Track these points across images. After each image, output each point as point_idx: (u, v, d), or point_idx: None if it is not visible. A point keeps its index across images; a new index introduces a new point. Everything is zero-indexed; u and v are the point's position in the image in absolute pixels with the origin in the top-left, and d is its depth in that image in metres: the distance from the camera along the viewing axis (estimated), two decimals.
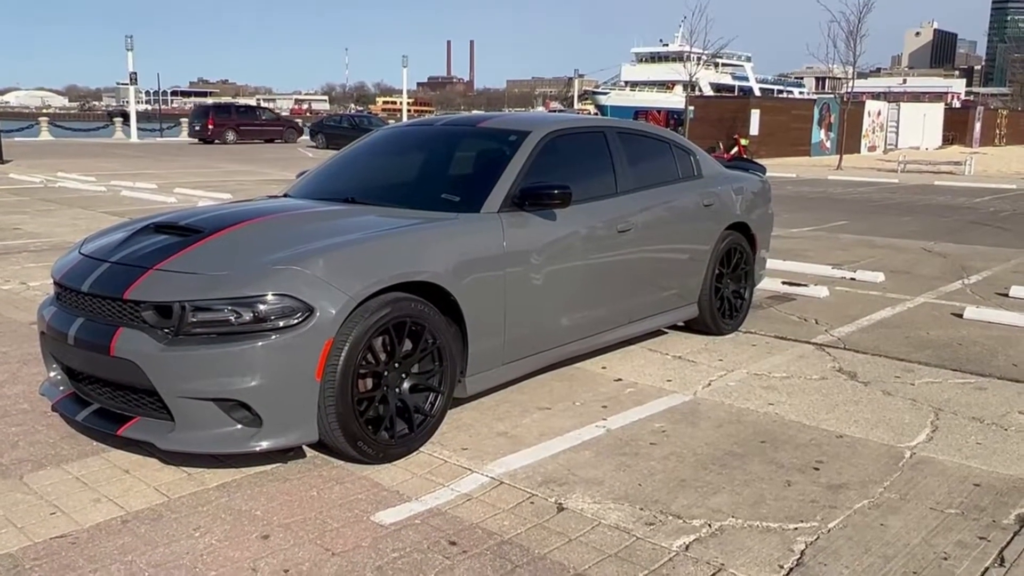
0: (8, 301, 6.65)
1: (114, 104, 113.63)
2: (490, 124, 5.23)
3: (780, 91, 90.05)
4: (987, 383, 5.02)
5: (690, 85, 34.97)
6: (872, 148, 38.28)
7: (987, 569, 2.91)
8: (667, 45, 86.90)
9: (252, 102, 77.09)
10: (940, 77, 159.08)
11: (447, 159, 5.16)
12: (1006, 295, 7.50)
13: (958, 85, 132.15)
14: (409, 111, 65.09)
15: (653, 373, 5.09)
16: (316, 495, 3.39)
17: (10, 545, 2.96)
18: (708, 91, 69.40)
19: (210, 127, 34.96)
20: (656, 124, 18.33)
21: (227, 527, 3.12)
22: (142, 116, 44.16)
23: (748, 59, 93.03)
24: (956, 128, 45.20)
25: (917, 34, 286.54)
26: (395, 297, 3.67)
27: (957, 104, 69.63)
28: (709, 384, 4.90)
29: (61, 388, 3.93)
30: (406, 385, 3.79)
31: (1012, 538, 3.13)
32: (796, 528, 3.18)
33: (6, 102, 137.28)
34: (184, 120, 43.07)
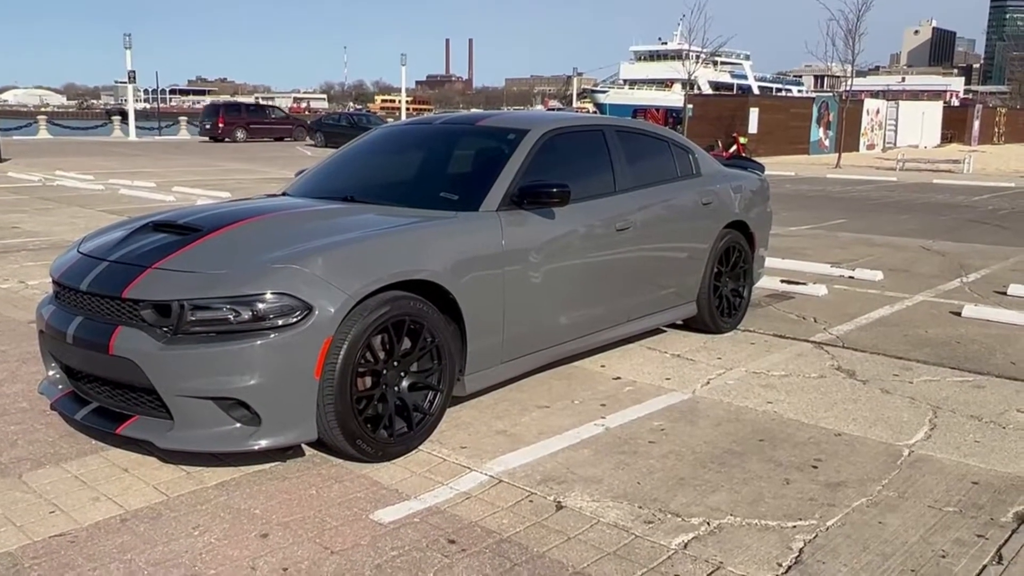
0: (7, 300, 6.65)
1: (112, 102, 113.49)
2: (489, 123, 5.23)
3: (779, 89, 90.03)
4: (985, 381, 5.03)
5: (689, 83, 35.00)
6: (871, 146, 38.30)
7: (985, 567, 2.92)
8: (666, 43, 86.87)
9: (250, 100, 76.99)
10: (939, 75, 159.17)
11: (446, 158, 5.16)
12: (1004, 293, 7.50)
13: (957, 83, 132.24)
14: (408, 109, 65.04)
15: (652, 371, 5.10)
16: (315, 493, 3.39)
17: (9, 544, 2.96)
18: (707, 89, 69.43)
19: (220, 125, 35.42)
20: (655, 122, 18.34)
21: (226, 526, 3.12)
22: (140, 114, 44.08)
23: (747, 57, 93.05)
24: (955, 126, 45.26)
25: (916, 32, 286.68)
26: (394, 296, 3.67)
27: (956, 102, 69.69)
28: (708, 382, 4.91)
29: (60, 387, 3.93)
30: (405, 383, 3.79)
31: (1010, 536, 3.14)
32: (794, 526, 3.18)
33: (4, 100, 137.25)
34: (183, 119, 43.13)
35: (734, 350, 5.61)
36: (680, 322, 5.93)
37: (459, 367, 4.08)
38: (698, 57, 35.82)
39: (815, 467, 3.73)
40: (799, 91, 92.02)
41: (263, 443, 3.42)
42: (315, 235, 3.82)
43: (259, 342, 3.35)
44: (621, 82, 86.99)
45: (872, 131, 38.66)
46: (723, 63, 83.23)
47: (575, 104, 74.97)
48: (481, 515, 3.22)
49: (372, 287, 3.58)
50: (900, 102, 44.17)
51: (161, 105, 79.49)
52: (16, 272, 7.73)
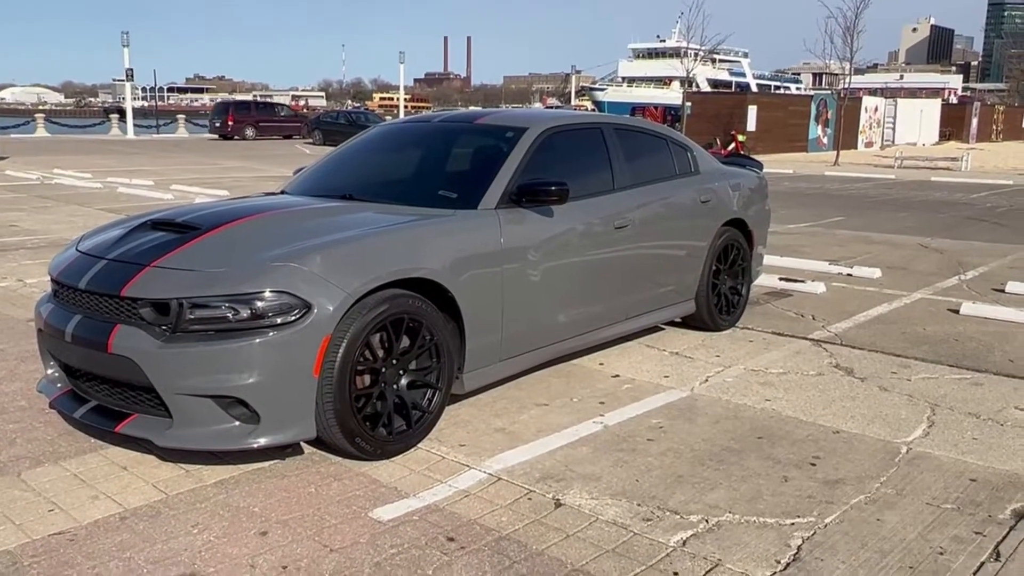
0: (5, 298, 6.64)
1: (110, 100, 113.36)
2: (487, 121, 5.23)
3: (777, 87, 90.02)
4: (983, 379, 5.04)
5: (687, 81, 34.99)
6: (869, 144, 38.32)
7: (983, 564, 2.92)
8: (664, 41, 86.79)
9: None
10: (937, 73, 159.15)
11: (444, 156, 5.16)
12: (1002, 291, 7.51)
13: (955, 81, 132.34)
14: (406, 107, 64.98)
15: (650, 369, 5.10)
16: (314, 491, 3.39)
17: (8, 542, 2.96)
18: (705, 87, 69.39)
19: (230, 123, 35.71)
20: (653, 120, 18.33)
21: (225, 524, 3.12)
22: (138, 112, 44.09)
23: (745, 55, 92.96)
24: (953, 124, 45.29)
25: (914, 30, 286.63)
26: (393, 294, 3.67)
27: (954, 100, 69.72)
28: (706, 380, 4.91)
29: (59, 385, 3.93)
30: (404, 381, 3.79)
31: (1008, 533, 3.14)
32: (793, 523, 3.19)
33: (2, 98, 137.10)
34: (181, 116, 43.10)
35: (732, 348, 5.62)
36: (679, 320, 5.93)
37: (458, 365, 4.08)
38: (696, 55, 35.84)
39: (813, 464, 3.74)
40: (797, 89, 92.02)
41: (262, 441, 3.42)
42: (314, 233, 3.82)
43: (258, 340, 3.35)
44: (619, 80, 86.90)
45: (870, 129, 38.67)
46: (721, 61, 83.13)
47: (573, 102, 74.90)
48: (480, 513, 3.23)
49: (371, 285, 3.58)
50: (898, 100, 44.17)
51: (159, 103, 79.47)
52: (14, 270, 7.72)
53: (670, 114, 40.90)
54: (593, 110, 64.94)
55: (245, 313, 3.36)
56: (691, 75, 34.71)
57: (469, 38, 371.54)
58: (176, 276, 3.50)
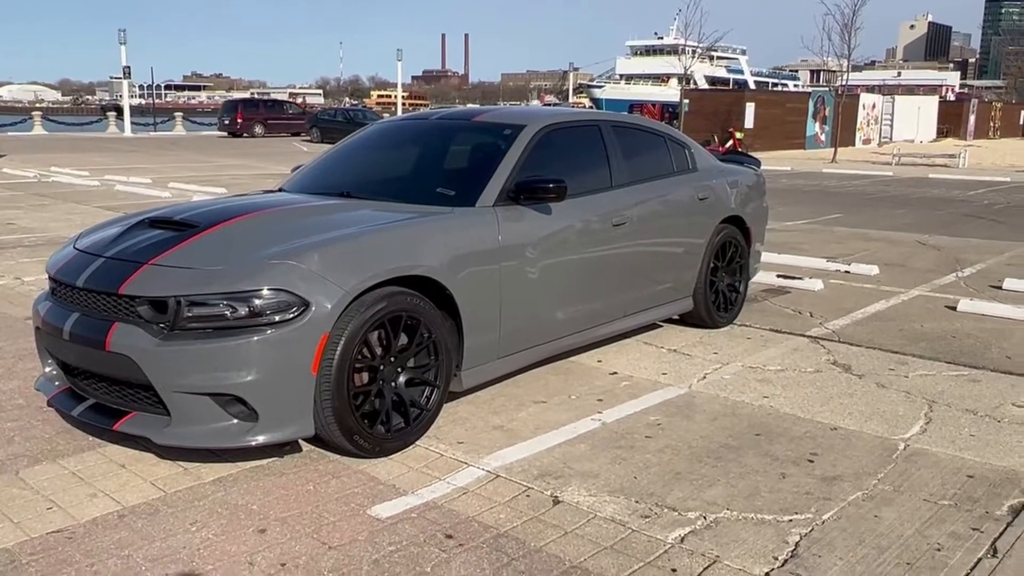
0: (2, 296, 6.64)
1: (107, 98, 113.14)
2: (485, 118, 5.22)
3: (775, 84, 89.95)
4: (981, 375, 5.05)
5: (685, 78, 34.96)
6: (867, 141, 38.32)
7: (980, 560, 2.93)
8: (662, 38, 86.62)
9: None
10: (934, 70, 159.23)
11: (442, 153, 5.16)
12: (1000, 288, 7.52)
13: (952, 78, 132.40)
14: (404, 105, 64.91)
15: (648, 366, 5.11)
16: (312, 489, 3.39)
17: (7, 540, 2.96)
18: (703, 84, 69.30)
19: (239, 121, 36.13)
20: (651, 118, 18.32)
21: (224, 521, 3.12)
22: (136, 110, 44.01)
23: (743, 52, 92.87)
24: (950, 121, 45.28)
25: (911, 27, 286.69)
26: (391, 291, 3.67)
27: (951, 97, 69.76)
28: (704, 377, 4.92)
29: (56, 383, 3.93)
30: (402, 379, 3.79)
31: (1005, 529, 3.15)
32: (791, 520, 3.19)
33: None
34: (178, 114, 43.08)
35: (730, 345, 5.62)
36: (676, 317, 5.93)
37: (456, 362, 4.09)
38: (694, 52, 35.81)
39: (811, 461, 3.75)
40: (795, 86, 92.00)
41: (260, 439, 3.42)
42: (311, 231, 3.81)
43: (256, 338, 3.35)
44: (617, 77, 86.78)
45: (868, 126, 38.67)
46: (719, 58, 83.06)
47: (571, 99, 74.85)
48: (478, 510, 3.23)
49: (369, 283, 3.58)
50: (896, 97, 44.16)
51: (156, 101, 79.31)
52: (12, 268, 7.71)
53: (668, 111, 40.88)
54: (591, 107, 64.85)
55: (243, 311, 3.36)
56: (689, 72, 34.67)
57: (467, 35, 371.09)
58: (174, 274, 3.49)
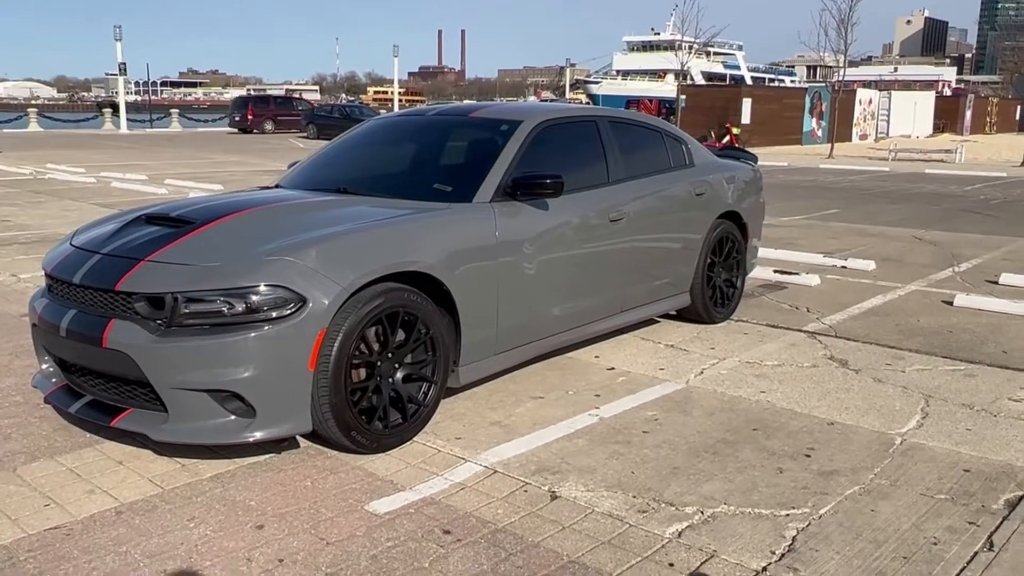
0: None
1: (103, 95, 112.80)
2: (482, 114, 5.22)
3: (771, 80, 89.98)
4: (977, 370, 5.06)
5: (682, 74, 34.98)
6: (863, 136, 38.35)
7: (976, 553, 2.94)
8: (659, 34, 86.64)
9: (243, 93, 76.72)
10: (931, 65, 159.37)
11: (439, 149, 5.16)
12: (996, 282, 7.53)
13: (949, 73, 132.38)
14: (400, 101, 64.84)
15: (645, 362, 5.11)
16: (310, 485, 3.39)
17: (4, 537, 2.96)
18: (700, 80, 69.37)
19: (250, 117, 36.53)
20: (648, 113, 18.32)
21: (221, 517, 3.12)
22: (131, 107, 44.03)
23: (739, 48, 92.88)
24: (947, 116, 45.32)
25: (908, 22, 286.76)
26: (388, 287, 3.67)
27: (948, 92, 69.70)
28: (701, 372, 4.92)
29: (54, 380, 3.93)
30: (399, 375, 3.79)
31: (1001, 523, 3.16)
32: (788, 514, 3.20)
33: None
34: (174, 111, 43.07)
35: (727, 340, 5.63)
36: (674, 312, 5.94)
37: (453, 358, 4.09)
38: (691, 47, 35.86)
39: (808, 456, 3.75)
40: (792, 81, 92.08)
41: (258, 435, 3.42)
42: (308, 227, 3.81)
43: (253, 334, 3.35)
44: (614, 73, 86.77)
45: (865, 121, 38.69)
46: (716, 53, 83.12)
47: (568, 95, 74.83)
48: (476, 505, 3.23)
49: (366, 279, 3.58)
50: (892, 92, 44.23)
51: (152, 97, 79.19)
52: (8, 265, 7.70)
53: (665, 107, 40.85)
54: (588, 103, 64.82)
55: (240, 307, 3.36)
56: (686, 68, 34.71)
57: (463, 31, 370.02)
58: (171, 270, 3.49)
